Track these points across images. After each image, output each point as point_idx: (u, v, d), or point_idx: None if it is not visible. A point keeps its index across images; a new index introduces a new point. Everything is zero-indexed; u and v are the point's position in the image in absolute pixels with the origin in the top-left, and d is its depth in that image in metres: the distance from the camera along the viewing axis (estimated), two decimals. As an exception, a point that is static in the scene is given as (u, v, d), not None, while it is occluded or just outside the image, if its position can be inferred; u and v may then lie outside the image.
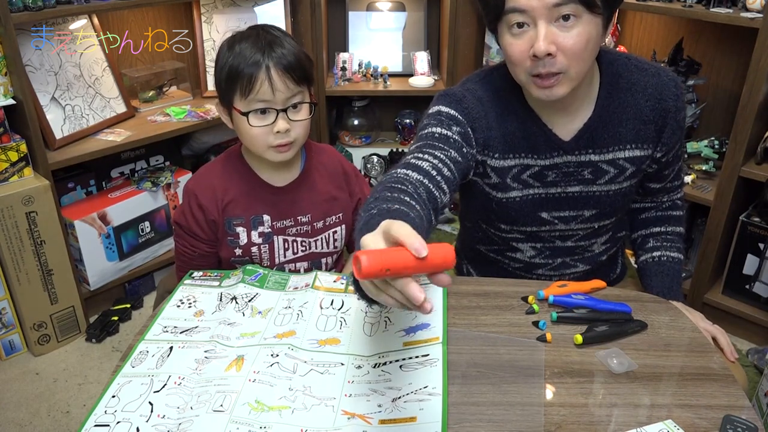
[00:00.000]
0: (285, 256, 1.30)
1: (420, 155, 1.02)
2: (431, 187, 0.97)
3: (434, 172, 0.99)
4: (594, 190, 1.15)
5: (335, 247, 1.35)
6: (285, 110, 1.16)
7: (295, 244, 1.30)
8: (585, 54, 0.98)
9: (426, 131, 1.08)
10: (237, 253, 1.28)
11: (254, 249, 1.28)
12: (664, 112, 1.12)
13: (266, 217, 1.27)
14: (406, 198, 0.89)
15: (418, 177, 0.97)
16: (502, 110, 1.12)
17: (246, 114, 1.16)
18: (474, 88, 1.13)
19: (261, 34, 1.17)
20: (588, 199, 1.16)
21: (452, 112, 1.09)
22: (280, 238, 1.29)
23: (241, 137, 1.22)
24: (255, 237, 1.27)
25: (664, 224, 1.30)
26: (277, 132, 1.16)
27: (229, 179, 1.27)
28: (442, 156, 1.02)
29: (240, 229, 1.27)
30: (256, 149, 1.20)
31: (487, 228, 1.24)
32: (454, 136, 1.06)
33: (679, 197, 1.31)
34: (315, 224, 1.30)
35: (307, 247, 1.31)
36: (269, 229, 1.28)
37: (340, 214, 1.33)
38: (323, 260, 1.34)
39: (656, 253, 1.27)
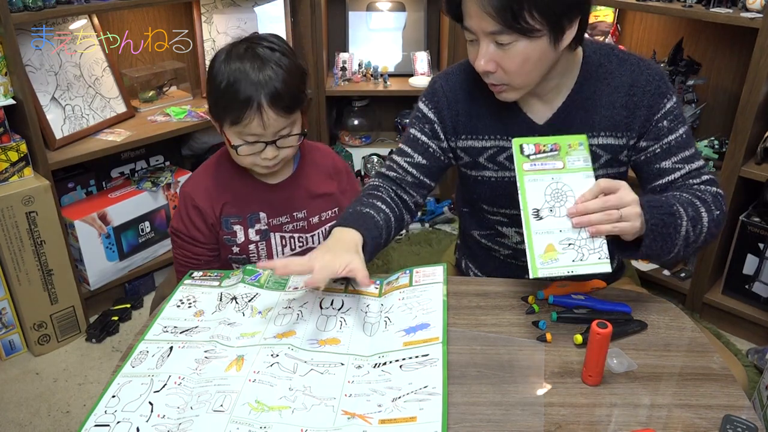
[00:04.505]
0: (283, 253, 1.30)
1: (390, 164, 1.24)
2: (399, 191, 1.22)
3: (399, 181, 1.22)
4: None
5: None
6: (274, 141, 1.17)
7: (292, 240, 1.30)
8: (524, 70, 1.03)
9: (405, 132, 1.24)
10: (234, 251, 1.28)
11: (251, 246, 1.28)
12: (638, 101, 1.11)
13: (262, 215, 1.27)
14: (378, 202, 1.16)
15: (388, 185, 1.23)
16: (480, 93, 1.16)
17: (235, 147, 1.16)
18: (456, 71, 1.20)
19: (254, 60, 1.13)
20: None
21: (425, 109, 1.21)
22: (277, 234, 1.29)
23: (228, 148, 1.23)
24: (252, 235, 1.28)
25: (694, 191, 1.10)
26: (264, 158, 1.18)
27: (223, 180, 1.28)
28: (405, 165, 1.21)
29: (237, 227, 1.27)
30: (241, 165, 1.23)
31: (474, 210, 1.29)
32: (422, 138, 1.20)
33: (706, 180, 1.12)
34: (311, 219, 1.31)
35: (305, 243, 1.32)
36: (266, 227, 1.28)
37: (336, 209, 1.34)
38: None
39: (672, 193, 1.09)
